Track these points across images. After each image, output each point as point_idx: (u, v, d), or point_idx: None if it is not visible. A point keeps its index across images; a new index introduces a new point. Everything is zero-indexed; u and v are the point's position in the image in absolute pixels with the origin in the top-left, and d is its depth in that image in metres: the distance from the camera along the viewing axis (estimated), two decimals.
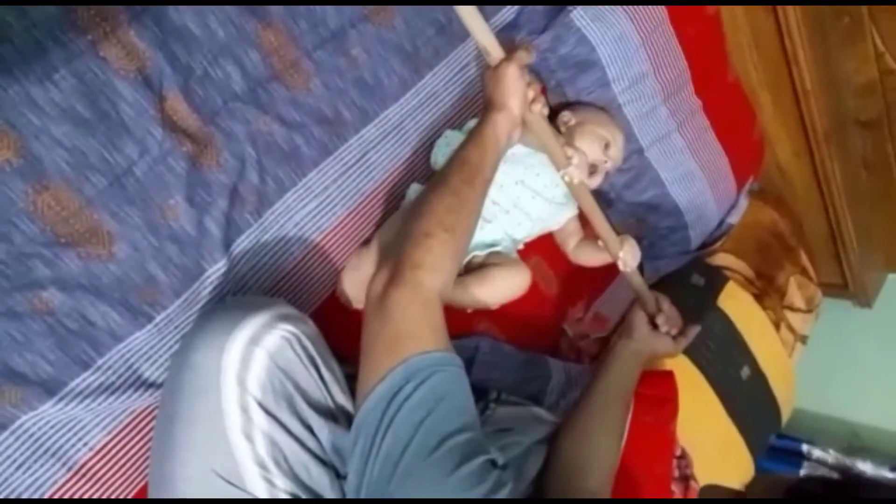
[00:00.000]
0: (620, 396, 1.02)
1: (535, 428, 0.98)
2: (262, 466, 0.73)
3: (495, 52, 0.86)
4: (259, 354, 0.74)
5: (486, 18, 1.18)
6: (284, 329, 0.77)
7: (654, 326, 1.08)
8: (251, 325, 0.75)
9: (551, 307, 1.35)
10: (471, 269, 1.11)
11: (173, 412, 0.75)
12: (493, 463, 0.65)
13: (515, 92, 0.85)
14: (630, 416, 1.12)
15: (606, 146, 1.17)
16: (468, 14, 0.84)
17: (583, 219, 1.20)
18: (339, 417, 0.83)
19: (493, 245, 1.13)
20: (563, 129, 1.20)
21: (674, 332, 1.09)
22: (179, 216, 0.90)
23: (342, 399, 0.84)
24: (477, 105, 1.21)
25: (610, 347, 1.06)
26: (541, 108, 0.91)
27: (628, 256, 1.07)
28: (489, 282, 1.08)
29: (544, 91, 1.31)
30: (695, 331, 1.11)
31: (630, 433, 1.21)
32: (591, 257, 1.22)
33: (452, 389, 0.68)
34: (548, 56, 1.24)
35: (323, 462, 0.77)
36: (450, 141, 1.13)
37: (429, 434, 0.63)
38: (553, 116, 1.21)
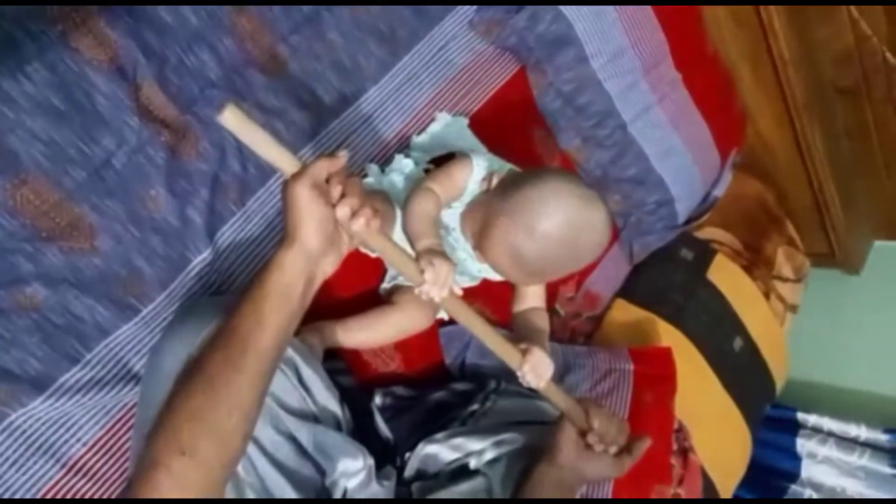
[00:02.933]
0: None
1: (535, 427, 0.97)
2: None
3: (284, 164, 0.64)
4: None
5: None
6: None
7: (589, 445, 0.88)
8: None
9: None
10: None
11: (143, 419, 0.73)
12: None
13: (308, 218, 0.64)
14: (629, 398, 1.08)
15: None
16: (235, 123, 0.62)
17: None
18: (320, 417, 0.82)
19: None
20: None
21: (612, 450, 0.90)
22: (161, 207, 0.89)
23: (324, 398, 0.83)
24: (459, 87, 1.20)
25: (530, 472, 0.87)
26: (365, 223, 0.65)
27: (529, 375, 0.85)
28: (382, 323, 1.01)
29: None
30: (643, 446, 0.92)
31: (630, 412, 1.21)
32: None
33: None
34: (525, 34, 1.24)
35: (294, 472, 0.76)
36: (402, 167, 1.02)
37: None
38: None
